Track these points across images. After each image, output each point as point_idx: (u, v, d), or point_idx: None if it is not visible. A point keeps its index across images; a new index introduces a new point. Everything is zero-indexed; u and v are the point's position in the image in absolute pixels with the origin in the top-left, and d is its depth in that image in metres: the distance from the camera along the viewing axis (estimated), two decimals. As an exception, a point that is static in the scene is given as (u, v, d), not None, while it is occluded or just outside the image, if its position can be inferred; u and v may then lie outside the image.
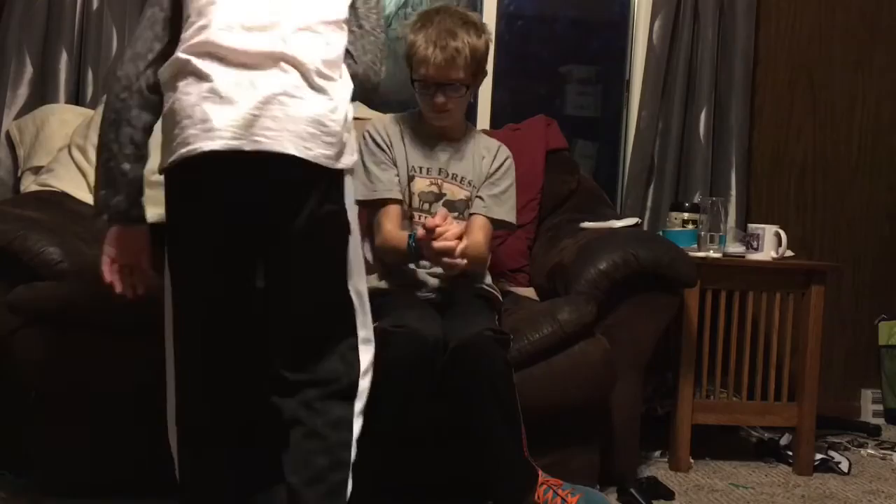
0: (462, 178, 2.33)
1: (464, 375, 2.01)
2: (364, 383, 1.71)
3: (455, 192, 2.33)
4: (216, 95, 1.51)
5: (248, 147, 1.50)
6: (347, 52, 1.69)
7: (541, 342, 2.16)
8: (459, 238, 2.11)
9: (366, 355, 1.72)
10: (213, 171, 1.54)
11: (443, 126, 2.32)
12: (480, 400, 2.01)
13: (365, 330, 1.73)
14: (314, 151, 1.54)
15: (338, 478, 1.60)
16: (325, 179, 1.59)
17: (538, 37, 3.90)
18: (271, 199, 1.57)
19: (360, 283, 1.73)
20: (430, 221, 2.10)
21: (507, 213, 2.36)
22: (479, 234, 2.28)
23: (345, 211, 1.66)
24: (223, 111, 1.50)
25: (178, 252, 1.66)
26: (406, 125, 2.36)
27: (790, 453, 2.78)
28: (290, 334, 1.64)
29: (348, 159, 1.63)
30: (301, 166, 1.53)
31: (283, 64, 1.55)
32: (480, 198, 2.33)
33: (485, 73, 2.33)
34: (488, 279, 2.39)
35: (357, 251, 1.73)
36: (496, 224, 2.35)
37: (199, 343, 1.64)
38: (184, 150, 1.53)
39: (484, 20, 2.38)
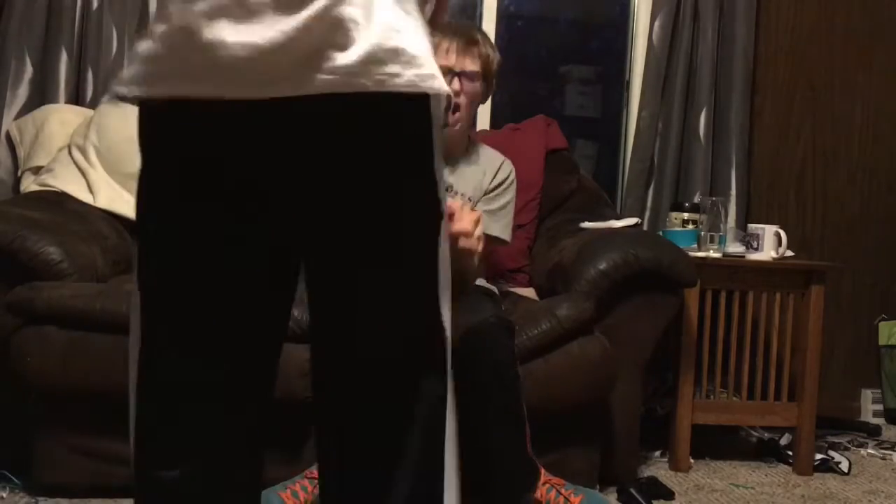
0: (462, 193, 2.32)
1: (468, 362, 1.99)
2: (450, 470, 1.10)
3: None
4: (236, 10, 0.94)
5: (290, 91, 0.94)
6: None
7: (539, 338, 2.15)
8: (476, 223, 2.03)
9: (450, 429, 1.09)
10: (224, 121, 0.98)
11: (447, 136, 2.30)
12: (484, 388, 1.98)
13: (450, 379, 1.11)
14: (406, 76, 0.97)
15: None
16: (412, 120, 1.02)
17: (538, 37, 3.90)
18: (322, 162, 0.99)
19: (447, 304, 1.08)
20: (448, 206, 2.04)
21: (502, 229, 2.34)
22: None
23: (436, 180, 1.06)
24: (250, 31, 0.93)
25: (157, 250, 1.05)
26: None
27: (790, 453, 2.78)
28: (347, 395, 1.06)
29: (441, 83, 1.01)
30: (374, 105, 0.97)
31: None
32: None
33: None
34: (481, 282, 2.39)
35: (447, 254, 1.09)
36: (489, 240, 2.31)
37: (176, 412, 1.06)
38: (177, 89, 0.96)
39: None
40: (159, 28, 0.99)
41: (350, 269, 1.02)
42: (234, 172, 1.00)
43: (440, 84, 1.01)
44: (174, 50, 0.97)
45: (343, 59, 0.95)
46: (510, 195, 2.37)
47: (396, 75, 0.97)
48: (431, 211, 1.06)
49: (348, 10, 0.96)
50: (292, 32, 0.94)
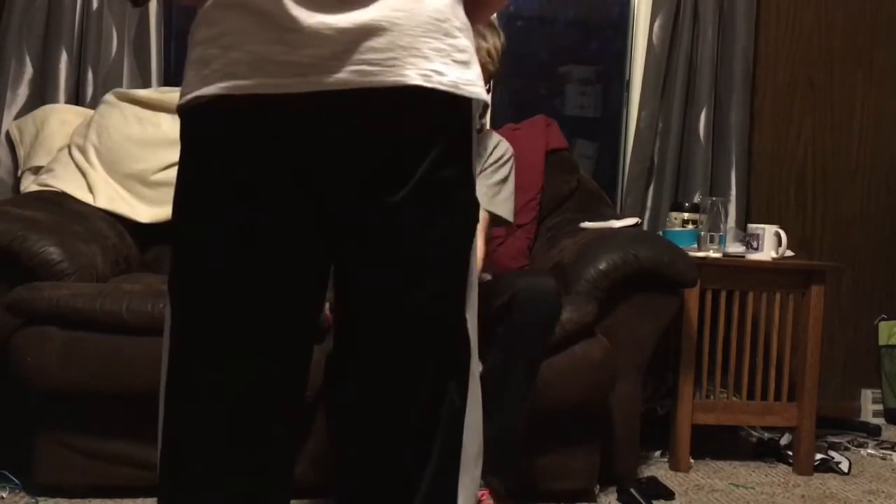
0: None
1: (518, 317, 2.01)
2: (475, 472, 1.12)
3: None
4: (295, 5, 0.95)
5: (355, 82, 0.95)
6: None
7: (542, 341, 2.16)
8: None
9: (473, 435, 1.10)
10: (275, 119, 0.97)
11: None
12: (523, 344, 2.00)
13: (474, 385, 1.11)
14: (450, 76, 0.99)
15: None
16: (453, 121, 1.02)
17: (538, 37, 3.90)
18: (365, 162, 0.98)
19: (473, 311, 1.11)
20: None
21: (498, 205, 2.25)
22: None
23: (473, 179, 1.08)
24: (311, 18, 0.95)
25: (192, 256, 1.04)
26: None
27: (790, 453, 2.78)
28: (369, 394, 1.07)
29: (482, 89, 1.04)
30: (423, 102, 0.99)
31: None
32: None
33: (500, 72, 2.26)
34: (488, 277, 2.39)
35: (476, 257, 1.11)
36: (491, 220, 2.26)
37: (209, 407, 1.05)
38: (228, 84, 0.96)
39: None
40: (208, 31, 1.00)
41: (389, 272, 1.02)
42: (286, 169, 0.99)
43: (480, 90, 1.02)
44: (228, 49, 0.97)
45: (386, 53, 0.96)
46: (505, 173, 2.29)
47: (440, 73, 0.98)
48: (470, 212, 1.07)
49: (400, 3, 0.97)
50: (343, 26, 0.95)
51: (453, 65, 1.00)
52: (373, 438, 1.07)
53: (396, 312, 1.03)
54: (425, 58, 0.97)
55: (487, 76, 2.16)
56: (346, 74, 0.95)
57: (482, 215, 2.22)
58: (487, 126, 2.26)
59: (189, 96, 0.99)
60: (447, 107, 1.00)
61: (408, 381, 1.05)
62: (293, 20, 0.95)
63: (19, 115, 2.83)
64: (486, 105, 0.94)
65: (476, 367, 1.09)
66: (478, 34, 2.09)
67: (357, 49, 0.95)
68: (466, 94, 1.01)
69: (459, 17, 1.03)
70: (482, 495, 1.99)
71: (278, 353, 1.05)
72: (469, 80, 1.01)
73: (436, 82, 0.98)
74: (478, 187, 2.20)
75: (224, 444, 1.04)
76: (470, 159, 1.05)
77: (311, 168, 0.98)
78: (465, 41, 1.02)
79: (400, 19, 0.97)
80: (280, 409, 1.06)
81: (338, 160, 0.98)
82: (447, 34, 1.00)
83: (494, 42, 2.17)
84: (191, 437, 1.05)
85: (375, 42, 0.95)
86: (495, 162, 2.30)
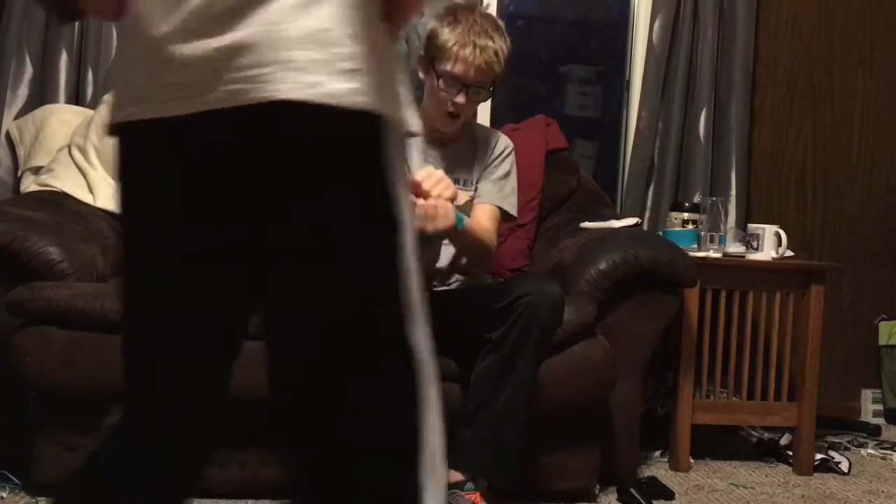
0: (465, 180, 2.30)
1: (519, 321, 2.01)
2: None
3: (460, 196, 2.22)
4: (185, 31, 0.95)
5: (231, 100, 0.94)
6: None
7: (541, 342, 2.15)
8: (452, 200, 1.97)
9: (435, 438, 1.03)
10: (165, 143, 1.00)
11: (446, 131, 2.23)
12: (521, 344, 2.00)
13: (431, 390, 1.03)
14: (328, 87, 0.94)
15: None
16: (345, 133, 0.97)
17: (538, 37, 3.90)
18: (254, 180, 0.97)
19: (419, 317, 1.02)
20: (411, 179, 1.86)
21: (503, 199, 2.27)
22: (485, 221, 2.24)
23: (388, 188, 1.00)
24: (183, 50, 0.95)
25: (127, 268, 1.17)
26: None
27: (790, 453, 2.78)
28: (306, 404, 1.04)
29: (368, 98, 0.96)
30: (303, 116, 0.94)
31: None
32: (476, 188, 2.30)
33: (505, 75, 2.27)
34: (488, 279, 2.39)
35: (413, 259, 1.03)
36: (493, 216, 2.27)
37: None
38: (126, 111, 1.01)
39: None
40: (118, 57, 1.04)
41: (306, 289, 1.00)
42: (184, 191, 1.01)
43: (366, 99, 0.96)
44: (127, 75, 1.03)
45: (260, 68, 0.94)
46: (507, 167, 2.31)
47: (318, 85, 0.94)
48: (387, 222, 1.00)
49: (276, 17, 0.94)
50: (218, 46, 0.95)
51: (336, 75, 0.94)
52: (313, 450, 1.04)
53: (320, 324, 1.00)
54: (302, 70, 0.93)
55: (493, 76, 2.16)
56: (222, 94, 0.94)
57: (492, 210, 2.26)
58: (459, 127, 2.25)
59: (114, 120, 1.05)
60: (335, 119, 0.94)
61: (339, 390, 1.01)
62: (175, 45, 0.96)
63: (19, 115, 2.83)
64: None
65: (432, 374, 1.03)
66: (484, 34, 2.10)
67: (229, 67, 0.94)
68: (347, 106, 0.94)
69: (352, 25, 0.97)
70: (475, 497, 1.99)
71: (202, 361, 1.18)
72: (354, 90, 0.94)
73: (310, 94, 0.93)
74: (484, 184, 2.24)
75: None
76: (378, 168, 0.99)
77: (206, 189, 0.99)
78: (355, 49, 0.96)
79: (274, 33, 0.94)
80: (200, 420, 1.20)
81: (225, 180, 0.98)
82: (329, 43, 0.94)
83: (501, 44, 2.15)
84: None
85: (247, 59, 0.93)
86: (496, 158, 2.31)
